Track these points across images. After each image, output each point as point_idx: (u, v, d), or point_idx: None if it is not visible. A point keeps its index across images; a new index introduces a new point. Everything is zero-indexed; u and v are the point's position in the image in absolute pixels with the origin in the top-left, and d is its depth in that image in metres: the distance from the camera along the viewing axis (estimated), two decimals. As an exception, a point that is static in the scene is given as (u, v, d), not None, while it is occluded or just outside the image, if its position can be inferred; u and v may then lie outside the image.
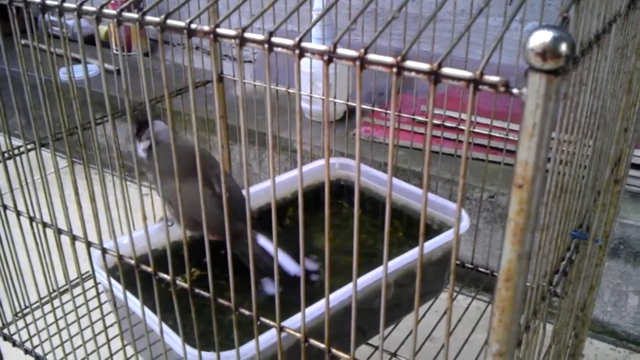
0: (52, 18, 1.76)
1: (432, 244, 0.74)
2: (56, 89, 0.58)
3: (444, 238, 0.75)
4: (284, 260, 0.73)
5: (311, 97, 1.10)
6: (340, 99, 1.07)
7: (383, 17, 1.41)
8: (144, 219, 0.55)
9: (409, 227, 0.87)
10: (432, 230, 0.83)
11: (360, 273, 0.68)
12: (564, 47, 0.28)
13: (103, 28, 1.91)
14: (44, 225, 0.65)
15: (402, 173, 1.13)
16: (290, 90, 1.00)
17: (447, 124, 0.98)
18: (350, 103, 1.05)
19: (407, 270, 0.72)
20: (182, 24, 0.42)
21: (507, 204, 0.31)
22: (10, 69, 0.59)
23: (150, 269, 0.53)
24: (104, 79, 0.51)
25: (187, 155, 0.55)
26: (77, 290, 0.75)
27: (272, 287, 0.72)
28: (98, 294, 0.73)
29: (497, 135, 0.94)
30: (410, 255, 0.71)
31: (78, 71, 1.68)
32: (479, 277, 0.96)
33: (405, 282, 0.73)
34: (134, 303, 0.63)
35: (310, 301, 0.50)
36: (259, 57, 1.72)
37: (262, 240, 0.74)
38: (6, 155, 0.73)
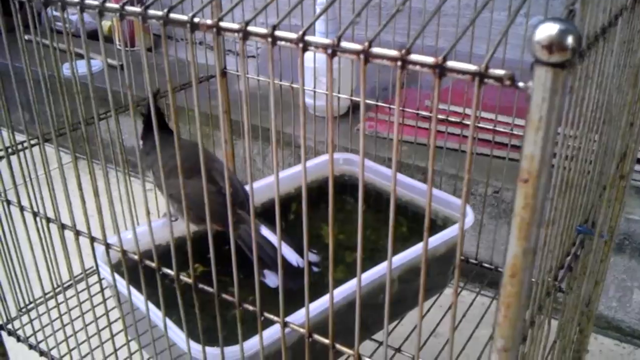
0: (55, 13, 1.76)
1: (436, 240, 0.73)
2: (59, 84, 0.58)
3: (448, 233, 0.75)
4: (286, 250, 0.73)
5: (315, 92, 1.10)
6: (344, 93, 1.06)
7: (387, 11, 1.41)
8: (147, 214, 0.55)
9: (413, 222, 0.87)
10: (437, 225, 0.83)
11: (364, 268, 0.68)
12: (570, 40, 0.27)
13: (106, 23, 1.91)
14: (48, 220, 0.65)
15: (406, 168, 1.12)
16: (294, 85, 1.00)
17: (452, 119, 0.97)
18: (354, 98, 1.05)
19: (411, 265, 0.72)
20: (185, 17, 0.42)
21: (513, 199, 0.31)
22: (14, 64, 0.59)
23: (154, 265, 0.53)
24: (107, 74, 0.51)
25: (186, 151, 0.55)
26: (81, 285, 0.75)
27: (274, 279, 0.73)
28: (102, 289, 0.73)
29: (502, 130, 0.93)
30: (414, 251, 0.71)
31: (81, 66, 1.68)
32: (484, 272, 0.96)
33: (409, 278, 0.73)
34: (138, 298, 0.63)
35: (312, 295, 0.50)
36: (262, 52, 1.72)
37: (264, 231, 0.74)
38: (10, 150, 0.73)
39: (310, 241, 0.81)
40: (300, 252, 0.73)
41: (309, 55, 1.11)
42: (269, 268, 0.73)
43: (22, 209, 0.68)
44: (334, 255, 0.47)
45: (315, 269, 0.75)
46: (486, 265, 0.95)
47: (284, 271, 0.71)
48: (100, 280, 0.77)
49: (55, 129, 0.61)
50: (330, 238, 0.44)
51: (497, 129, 0.93)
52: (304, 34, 0.36)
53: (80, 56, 1.75)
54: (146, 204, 0.54)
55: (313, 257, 0.76)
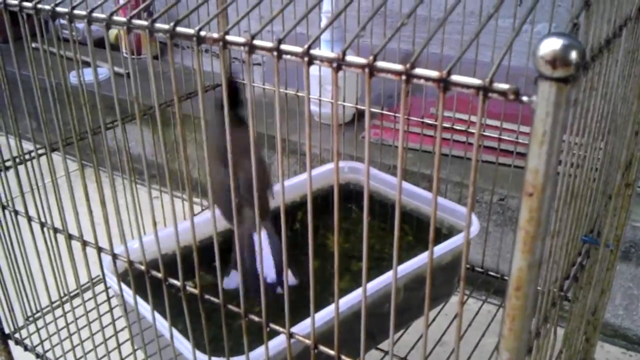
0: (62, 21, 1.77)
1: (441, 249, 0.73)
2: (66, 93, 0.59)
3: (454, 242, 0.75)
4: (268, 264, 0.73)
5: (320, 100, 1.10)
6: (349, 101, 1.07)
7: (392, 19, 1.41)
8: (154, 225, 0.55)
9: (419, 230, 0.87)
10: (442, 234, 0.83)
11: (369, 277, 0.68)
12: (574, 55, 0.27)
13: (113, 31, 1.92)
14: (55, 230, 0.65)
15: (412, 176, 1.12)
16: (300, 94, 1.00)
17: (457, 126, 0.97)
18: (359, 106, 1.05)
19: (416, 274, 0.72)
20: (191, 31, 0.42)
21: (518, 211, 0.31)
22: (21, 72, 0.60)
23: (160, 275, 0.54)
24: (114, 84, 0.51)
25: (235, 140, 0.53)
26: (88, 294, 0.76)
27: (233, 283, 0.73)
28: (108, 298, 0.74)
29: (507, 138, 0.93)
30: (419, 260, 0.71)
31: (88, 74, 1.69)
32: (490, 280, 0.96)
33: (415, 287, 0.73)
34: (145, 308, 0.63)
35: (299, 310, 0.50)
36: (268, 59, 1.73)
37: (262, 236, 0.74)
38: (17, 160, 0.73)
39: (316, 250, 0.81)
40: (280, 269, 0.73)
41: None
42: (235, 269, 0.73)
43: (29, 219, 0.68)
44: (339, 264, 0.47)
45: (279, 290, 0.74)
46: (492, 273, 0.95)
47: (253, 284, 0.71)
48: (106, 289, 0.78)
49: (62, 138, 0.61)
50: (335, 247, 0.44)
51: (502, 137, 0.93)
52: (309, 47, 0.36)
53: (87, 64, 1.76)
54: (152, 213, 0.55)
55: (292, 280, 0.75)
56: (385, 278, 0.68)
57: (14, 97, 0.66)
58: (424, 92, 1.03)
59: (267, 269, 0.73)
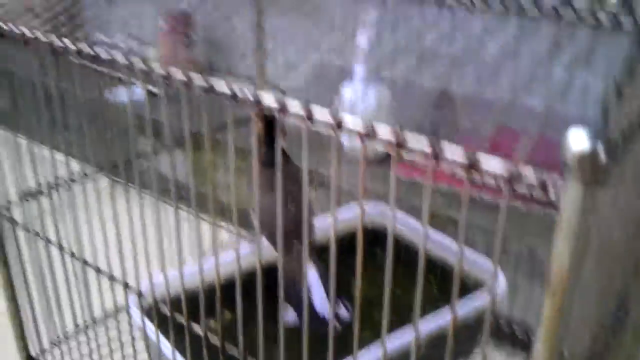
0: (104, 39, 1.81)
1: (464, 306, 0.72)
2: (103, 123, 0.60)
3: (478, 299, 0.73)
4: (317, 295, 0.73)
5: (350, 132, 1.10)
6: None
7: (424, 45, 1.40)
8: (179, 264, 0.56)
9: (443, 281, 0.86)
10: (467, 287, 0.81)
11: (392, 329, 0.67)
12: (604, 158, 0.27)
13: (153, 51, 1.95)
14: (85, 263, 0.67)
15: (439, 220, 1.11)
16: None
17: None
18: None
19: (439, 330, 0.71)
20: (227, 90, 0.43)
21: (547, 264, 0.30)
22: (61, 93, 0.61)
23: (183, 321, 0.54)
24: (148, 109, 0.52)
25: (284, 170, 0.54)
26: (112, 321, 0.77)
27: (292, 317, 0.73)
28: (131, 327, 0.75)
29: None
30: (442, 318, 0.70)
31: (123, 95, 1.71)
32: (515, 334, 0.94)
33: (436, 343, 0.72)
34: (167, 348, 0.63)
35: (339, 351, 0.50)
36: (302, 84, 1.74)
37: (311, 274, 0.75)
38: (50, 186, 0.75)
39: (340, 295, 0.80)
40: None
41: (347, 83, 1.12)
42: (292, 307, 0.73)
43: (61, 248, 0.70)
44: (362, 313, 0.47)
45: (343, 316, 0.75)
46: (519, 336, 0.93)
47: (307, 315, 0.71)
48: (130, 318, 0.78)
49: (96, 166, 0.63)
50: (356, 298, 0.44)
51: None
52: (339, 121, 0.37)
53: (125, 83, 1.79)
54: (179, 252, 0.55)
55: (344, 314, 0.75)
56: (405, 334, 0.67)
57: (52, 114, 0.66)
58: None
59: (322, 303, 0.73)
